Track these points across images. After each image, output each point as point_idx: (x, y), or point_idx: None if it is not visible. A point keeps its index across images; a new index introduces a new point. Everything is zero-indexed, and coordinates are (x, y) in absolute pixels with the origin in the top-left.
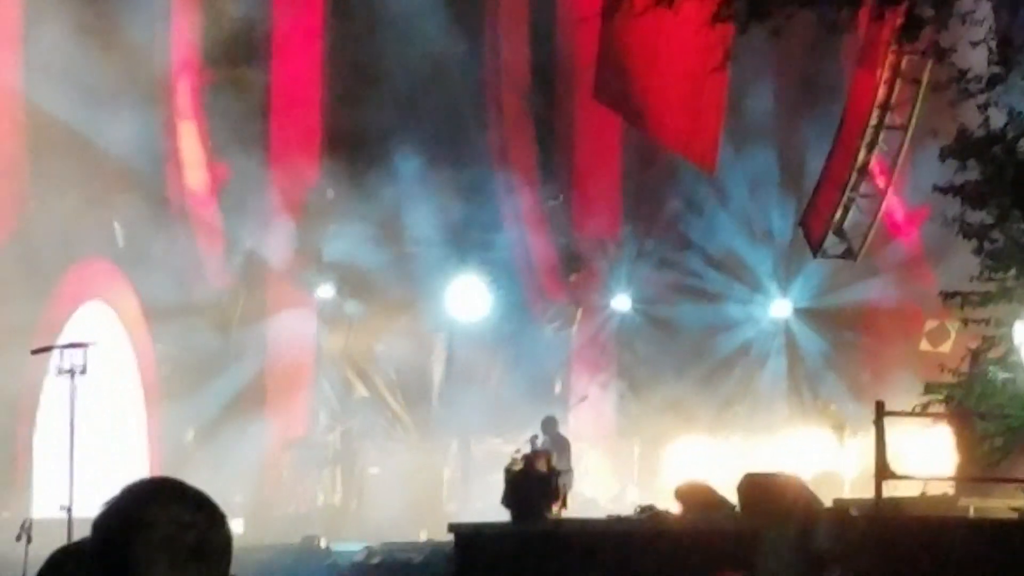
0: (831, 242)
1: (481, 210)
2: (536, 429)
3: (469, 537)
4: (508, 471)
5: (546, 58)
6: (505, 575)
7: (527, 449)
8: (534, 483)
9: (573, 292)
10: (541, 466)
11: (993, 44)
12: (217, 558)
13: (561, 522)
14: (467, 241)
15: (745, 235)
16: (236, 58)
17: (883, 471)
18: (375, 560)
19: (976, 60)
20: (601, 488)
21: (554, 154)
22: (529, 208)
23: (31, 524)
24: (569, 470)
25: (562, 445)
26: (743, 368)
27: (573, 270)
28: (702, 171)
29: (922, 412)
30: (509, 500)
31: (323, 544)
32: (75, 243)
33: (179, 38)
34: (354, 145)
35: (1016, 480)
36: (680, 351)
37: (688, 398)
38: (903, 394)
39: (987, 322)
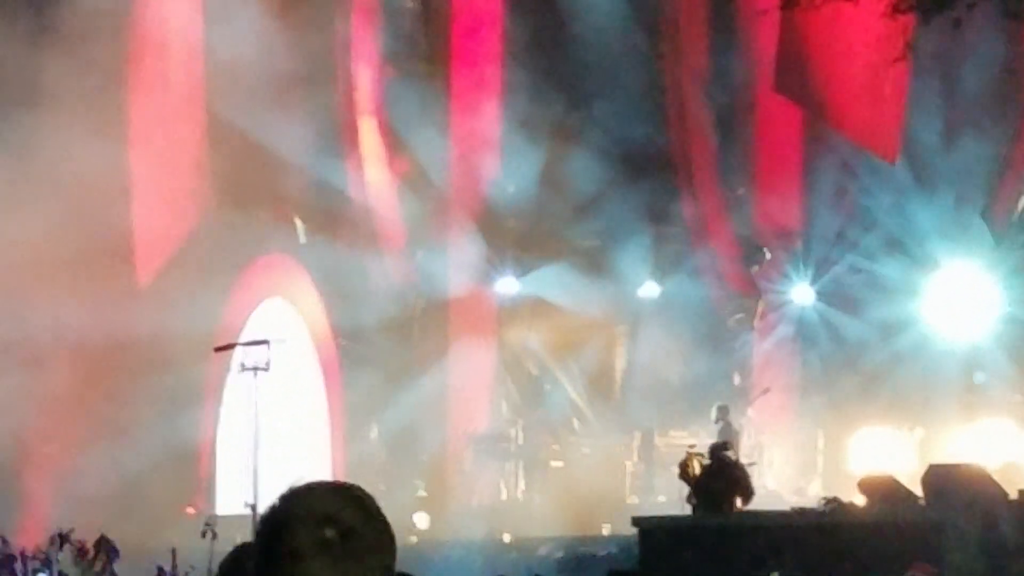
0: (1014, 228)
1: (663, 203)
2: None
3: (653, 530)
4: (683, 466)
5: (726, 49)
6: (689, 568)
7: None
8: (720, 476)
9: (755, 283)
10: (727, 458)
11: None
12: (372, 553)
13: (744, 515)
14: (648, 233)
15: (926, 222)
16: (416, 53)
17: None
18: (558, 554)
19: None
20: (784, 480)
21: (735, 145)
22: (711, 200)
23: (216, 520)
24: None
25: (732, 435)
26: (927, 358)
27: (755, 261)
28: (884, 161)
29: None
30: (694, 493)
31: (506, 538)
32: (256, 240)
33: (359, 34)
34: (533, 138)
35: None
36: (862, 341)
37: (871, 389)
38: None
39: None
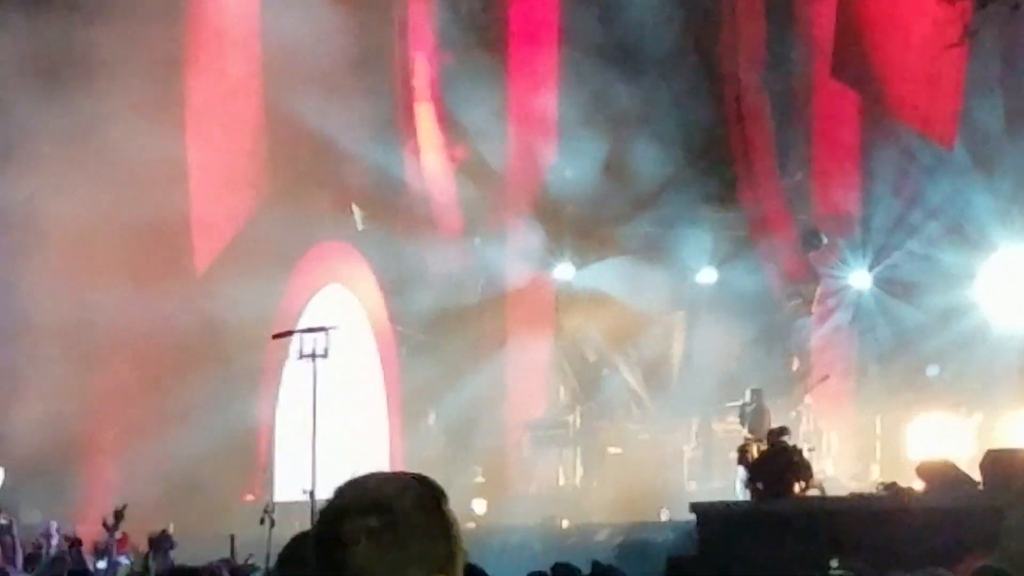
0: None
1: (722, 190)
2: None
3: (711, 516)
4: (741, 451)
5: (783, 36)
6: (748, 554)
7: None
8: (778, 461)
9: (813, 269)
10: (785, 444)
11: None
12: (421, 541)
13: (803, 500)
14: (707, 220)
15: (985, 207)
16: (473, 37)
17: None
18: (616, 540)
19: None
20: (843, 466)
21: (793, 131)
22: (769, 186)
23: (274, 507)
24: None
25: (765, 418)
26: (985, 343)
27: (813, 247)
28: (940, 147)
29: None
30: (752, 479)
31: (564, 525)
32: (314, 227)
33: (416, 19)
34: (591, 123)
35: None
36: (920, 326)
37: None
38: None
39: None
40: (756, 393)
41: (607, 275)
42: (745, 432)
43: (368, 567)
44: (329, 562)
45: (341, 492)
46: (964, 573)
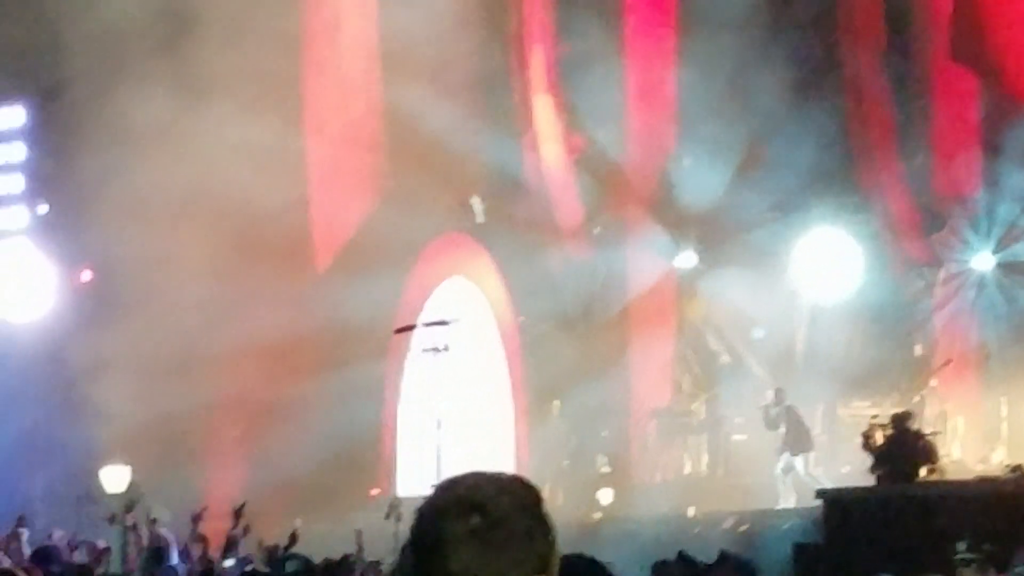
0: None
1: (839, 171)
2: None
3: (837, 502)
4: (866, 437)
5: (902, 18)
6: (874, 538)
7: (882, 410)
8: (904, 445)
9: (934, 252)
10: (911, 428)
11: None
12: (521, 543)
13: (929, 484)
14: (827, 204)
15: None
16: (590, 27)
17: None
18: (742, 528)
19: None
20: (968, 450)
21: (912, 114)
22: (889, 169)
23: (399, 502)
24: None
25: (792, 421)
26: None
27: (934, 229)
28: None
29: None
30: (878, 464)
31: (690, 513)
32: (434, 220)
33: (532, 11)
34: (706, 106)
35: None
36: None
37: None
38: None
39: None
40: (780, 393)
41: (729, 261)
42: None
43: (469, 569)
44: (428, 563)
45: (439, 491)
46: None
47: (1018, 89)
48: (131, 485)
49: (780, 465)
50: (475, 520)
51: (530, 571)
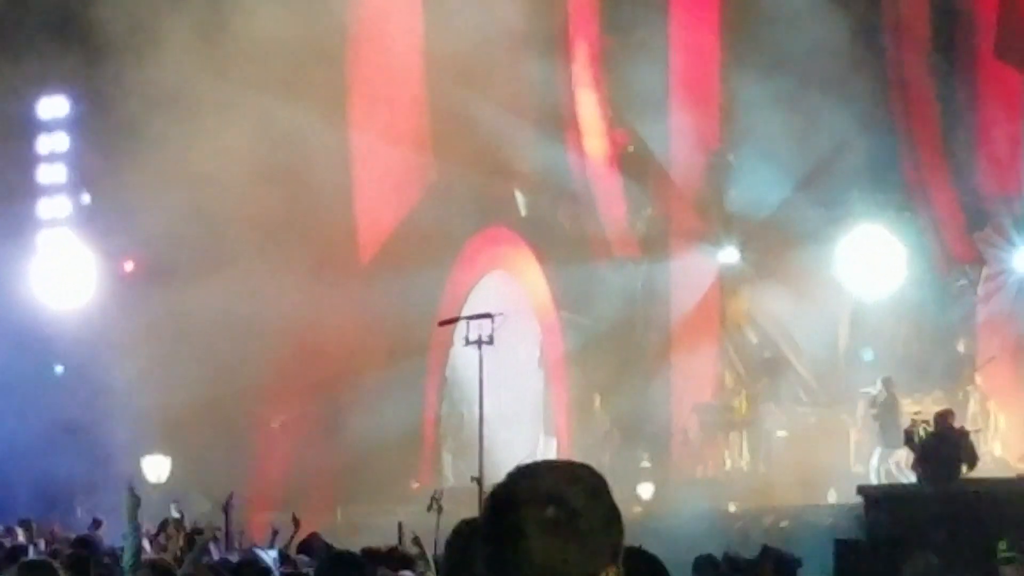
0: None
1: (884, 168)
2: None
3: (878, 499)
4: (908, 433)
5: (947, 17)
6: (915, 536)
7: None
8: (945, 443)
9: (978, 250)
10: (952, 425)
11: None
12: (596, 534)
13: (970, 482)
14: (871, 201)
15: None
16: (634, 23)
17: None
18: (783, 523)
19: None
20: (1010, 447)
21: (957, 112)
22: (933, 167)
23: (442, 494)
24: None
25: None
26: None
27: (978, 227)
28: None
29: None
30: (919, 461)
31: (731, 508)
32: (477, 213)
33: (577, 5)
34: (752, 105)
35: None
36: None
37: None
38: None
39: None
40: (888, 382)
41: (772, 257)
42: (913, 414)
43: (548, 560)
44: (503, 554)
45: (513, 481)
46: None
47: None
48: (171, 477)
49: (875, 457)
50: (552, 510)
51: (607, 561)
